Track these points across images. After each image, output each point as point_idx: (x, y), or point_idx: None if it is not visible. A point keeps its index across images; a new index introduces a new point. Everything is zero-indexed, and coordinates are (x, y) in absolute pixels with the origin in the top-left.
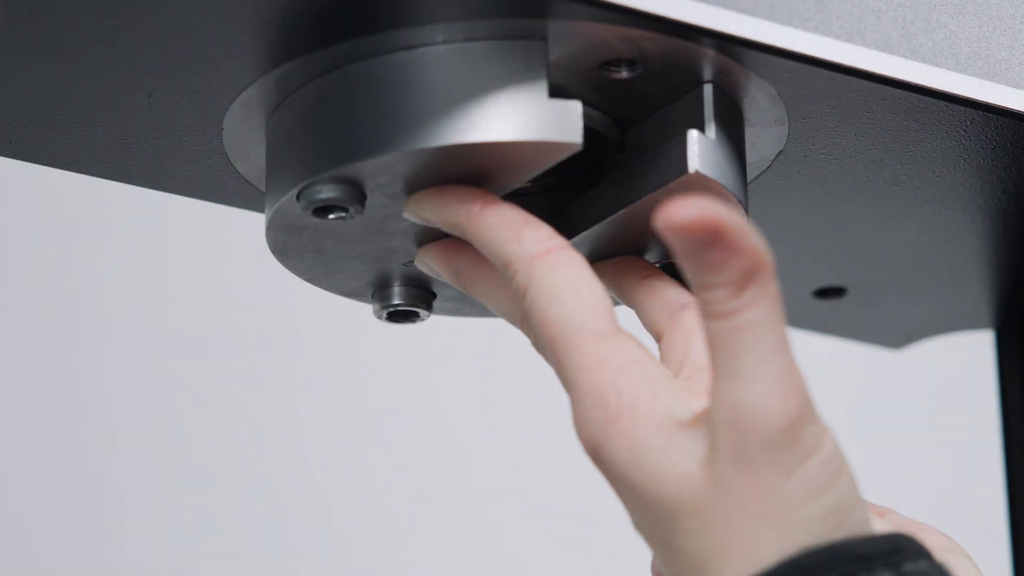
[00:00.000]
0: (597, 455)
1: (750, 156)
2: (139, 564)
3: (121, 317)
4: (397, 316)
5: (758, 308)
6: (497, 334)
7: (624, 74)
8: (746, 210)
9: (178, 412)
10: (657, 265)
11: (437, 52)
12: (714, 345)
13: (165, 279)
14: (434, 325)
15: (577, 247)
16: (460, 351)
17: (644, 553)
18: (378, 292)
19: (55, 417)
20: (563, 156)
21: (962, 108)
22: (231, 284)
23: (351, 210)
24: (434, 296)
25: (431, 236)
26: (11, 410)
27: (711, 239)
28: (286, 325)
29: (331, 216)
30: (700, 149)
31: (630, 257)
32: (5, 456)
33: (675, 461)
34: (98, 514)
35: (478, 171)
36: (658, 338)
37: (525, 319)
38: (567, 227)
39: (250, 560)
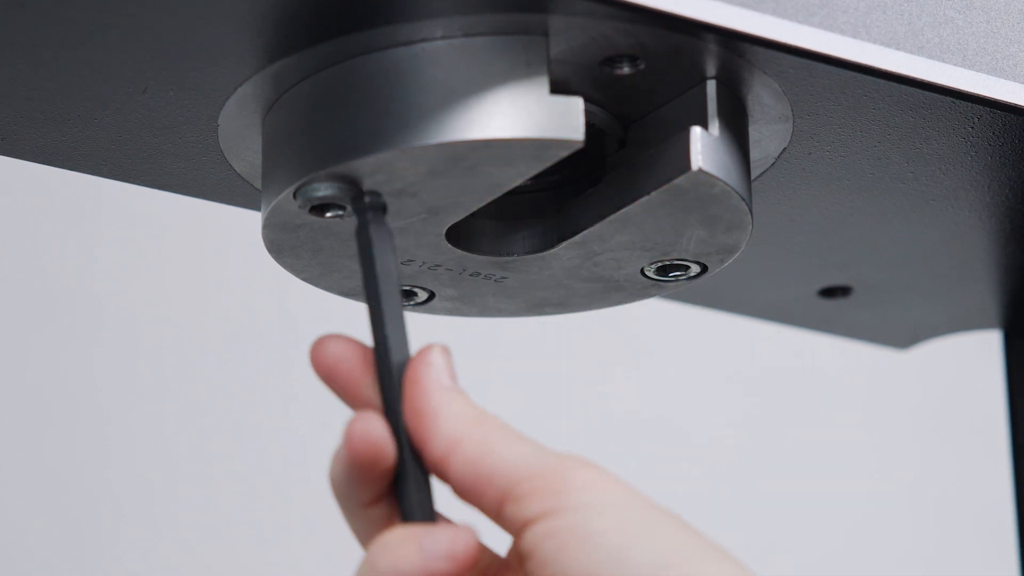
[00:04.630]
0: None
1: (754, 153)
2: (136, 565)
3: (116, 316)
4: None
5: None
6: (497, 334)
7: (626, 70)
8: (750, 208)
9: (174, 411)
10: (656, 265)
11: (436, 48)
12: None
13: (160, 278)
14: (433, 325)
15: (579, 245)
16: (460, 351)
17: None
18: None
19: (51, 416)
20: (564, 153)
21: (969, 104)
22: (227, 283)
23: (348, 208)
24: (433, 295)
25: (431, 235)
26: (6, 409)
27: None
28: (283, 325)
29: (328, 214)
30: (703, 146)
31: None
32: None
33: None
34: (94, 515)
35: (478, 169)
36: None
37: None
38: (569, 225)
39: (250, 561)
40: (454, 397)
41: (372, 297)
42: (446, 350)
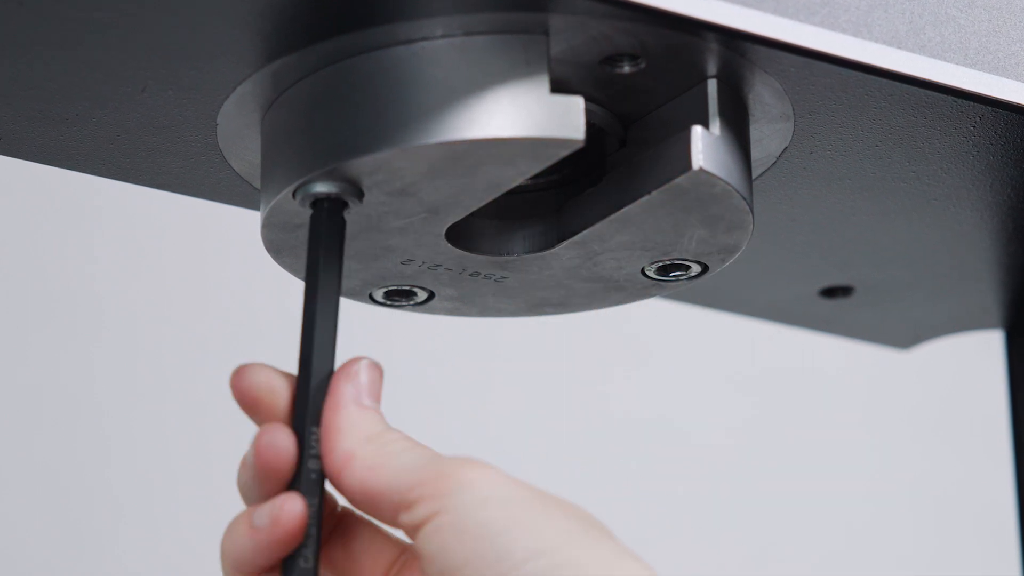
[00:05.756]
0: None
1: (755, 152)
2: (136, 565)
3: (116, 316)
4: (394, 295)
5: None
6: (497, 334)
7: (627, 69)
8: (751, 208)
9: (174, 411)
10: (656, 265)
11: (436, 47)
12: None
13: (160, 278)
14: (433, 325)
15: (579, 245)
16: (459, 351)
17: (643, 551)
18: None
19: (50, 417)
20: (565, 153)
21: (971, 104)
22: (227, 283)
23: (349, 207)
24: (432, 295)
25: (431, 235)
26: (6, 409)
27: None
28: (282, 325)
29: None
30: (704, 146)
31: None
32: None
33: None
34: (94, 515)
35: (477, 168)
36: None
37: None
38: (569, 224)
39: None
40: (363, 417)
41: (309, 299)
42: (375, 367)
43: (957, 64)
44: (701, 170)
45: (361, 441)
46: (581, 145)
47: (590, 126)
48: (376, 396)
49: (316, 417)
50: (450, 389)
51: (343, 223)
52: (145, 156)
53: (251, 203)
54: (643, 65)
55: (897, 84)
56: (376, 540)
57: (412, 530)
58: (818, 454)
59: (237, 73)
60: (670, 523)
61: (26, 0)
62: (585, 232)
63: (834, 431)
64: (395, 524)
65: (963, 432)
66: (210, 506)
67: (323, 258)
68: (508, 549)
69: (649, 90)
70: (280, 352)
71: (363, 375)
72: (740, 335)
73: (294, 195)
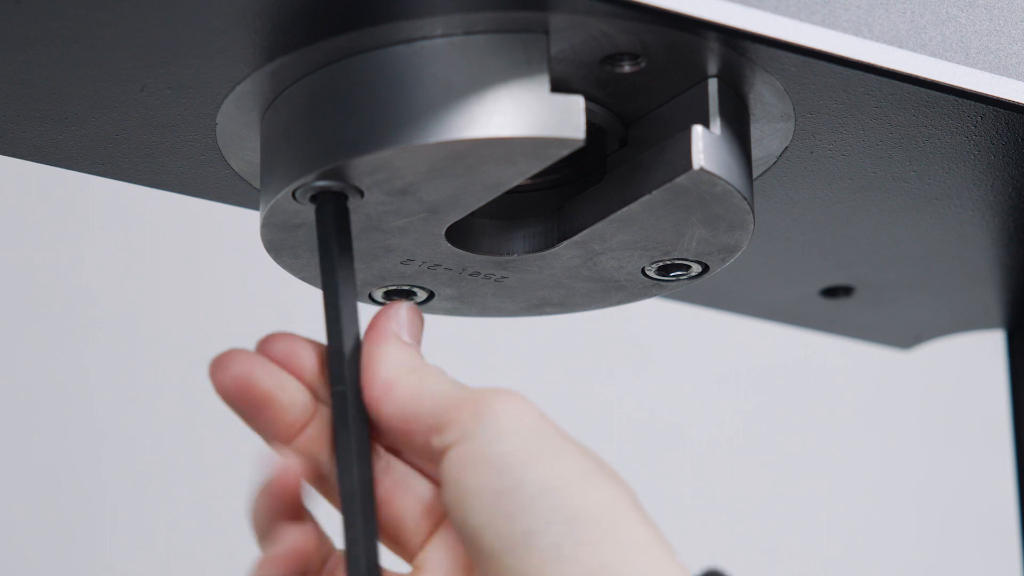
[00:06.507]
0: None
1: (756, 152)
2: (133, 565)
3: (114, 317)
4: (394, 295)
5: None
6: (497, 334)
7: (627, 68)
8: (752, 207)
9: (173, 412)
10: (657, 265)
11: (436, 46)
12: None
13: (158, 278)
14: (433, 325)
15: (580, 244)
16: (460, 351)
17: None
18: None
19: (45, 417)
20: (565, 152)
21: (972, 103)
22: (226, 283)
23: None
24: (432, 295)
25: (430, 235)
26: (1, 409)
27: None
28: (282, 325)
29: None
30: (704, 145)
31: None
32: None
33: None
34: (90, 515)
35: (478, 167)
36: None
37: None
38: (570, 224)
39: (249, 561)
40: (401, 348)
41: (328, 275)
42: (415, 309)
43: (958, 63)
44: (702, 170)
45: (404, 371)
46: (581, 144)
47: (590, 125)
48: (416, 337)
49: (355, 381)
50: None
51: (347, 211)
52: (144, 156)
53: (251, 203)
54: (643, 64)
55: (898, 83)
56: (409, 480)
57: (439, 456)
58: (819, 454)
59: (236, 72)
60: (670, 523)
61: None
62: (585, 232)
63: (836, 431)
64: (428, 452)
65: (964, 432)
66: (209, 506)
67: (336, 245)
68: (523, 481)
69: (649, 89)
70: None
71: (403, 313)
72: (740, 335)
73: (294, 195)
